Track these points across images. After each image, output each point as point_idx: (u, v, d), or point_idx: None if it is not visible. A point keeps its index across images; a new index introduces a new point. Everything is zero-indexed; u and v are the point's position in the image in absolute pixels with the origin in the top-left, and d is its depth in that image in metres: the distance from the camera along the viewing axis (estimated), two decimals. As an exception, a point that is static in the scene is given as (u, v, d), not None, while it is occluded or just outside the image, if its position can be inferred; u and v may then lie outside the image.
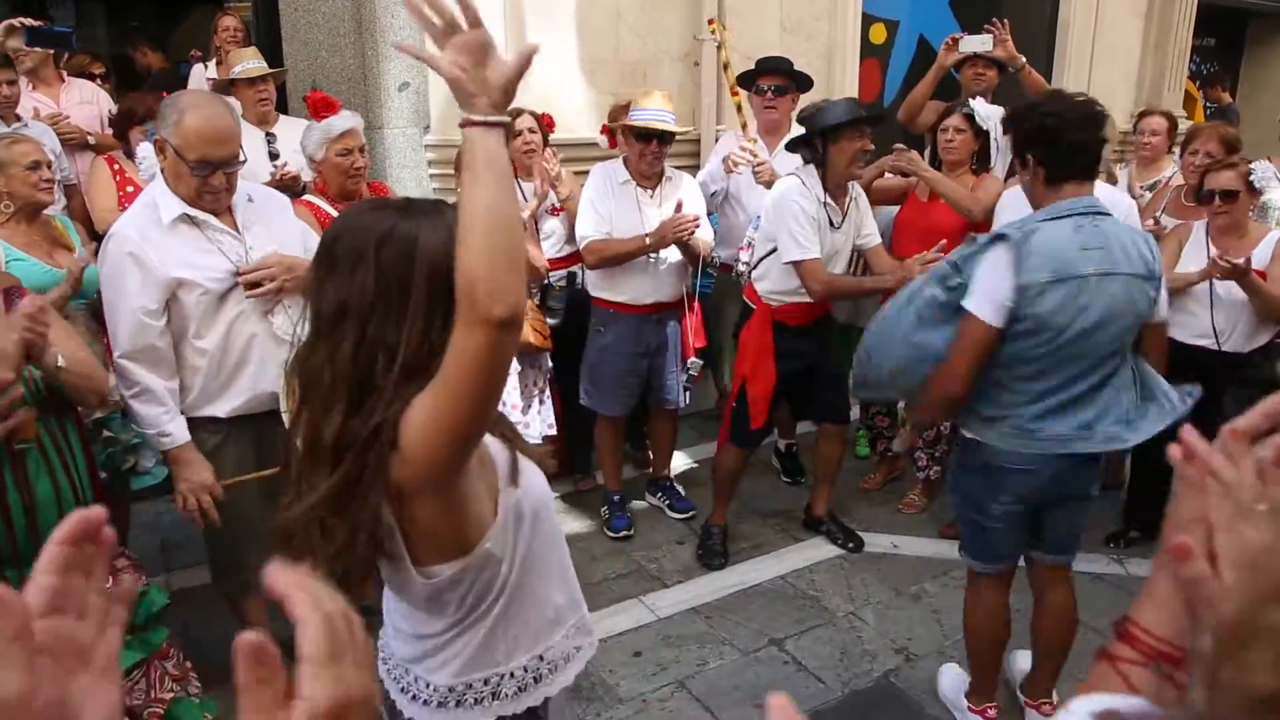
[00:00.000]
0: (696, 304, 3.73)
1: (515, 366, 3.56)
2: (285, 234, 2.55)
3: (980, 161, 3.75)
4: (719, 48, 4.18)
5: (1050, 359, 2.25)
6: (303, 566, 0.62)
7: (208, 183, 2.29)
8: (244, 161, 2.37)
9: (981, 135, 3.70)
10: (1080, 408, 2.30)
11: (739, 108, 4.02)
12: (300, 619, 0.58)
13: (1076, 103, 2.30)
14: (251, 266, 2.38)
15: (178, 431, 2.39)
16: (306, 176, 3.64)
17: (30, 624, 0.55)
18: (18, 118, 3.85)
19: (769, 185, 3.58)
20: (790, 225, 3.28)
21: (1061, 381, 2.28)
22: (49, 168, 2.93)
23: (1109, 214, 2.27)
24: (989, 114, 3.68)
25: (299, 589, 0.59)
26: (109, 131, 4.06)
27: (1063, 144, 2.24)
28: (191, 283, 2.32)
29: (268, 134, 3.83)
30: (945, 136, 3.70)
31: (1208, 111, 7.58)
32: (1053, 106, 2.29)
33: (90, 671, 0.60)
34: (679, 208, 3.48)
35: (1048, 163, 2.27)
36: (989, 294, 2.21)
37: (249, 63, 3.84)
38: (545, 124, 3.85)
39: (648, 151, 3.52)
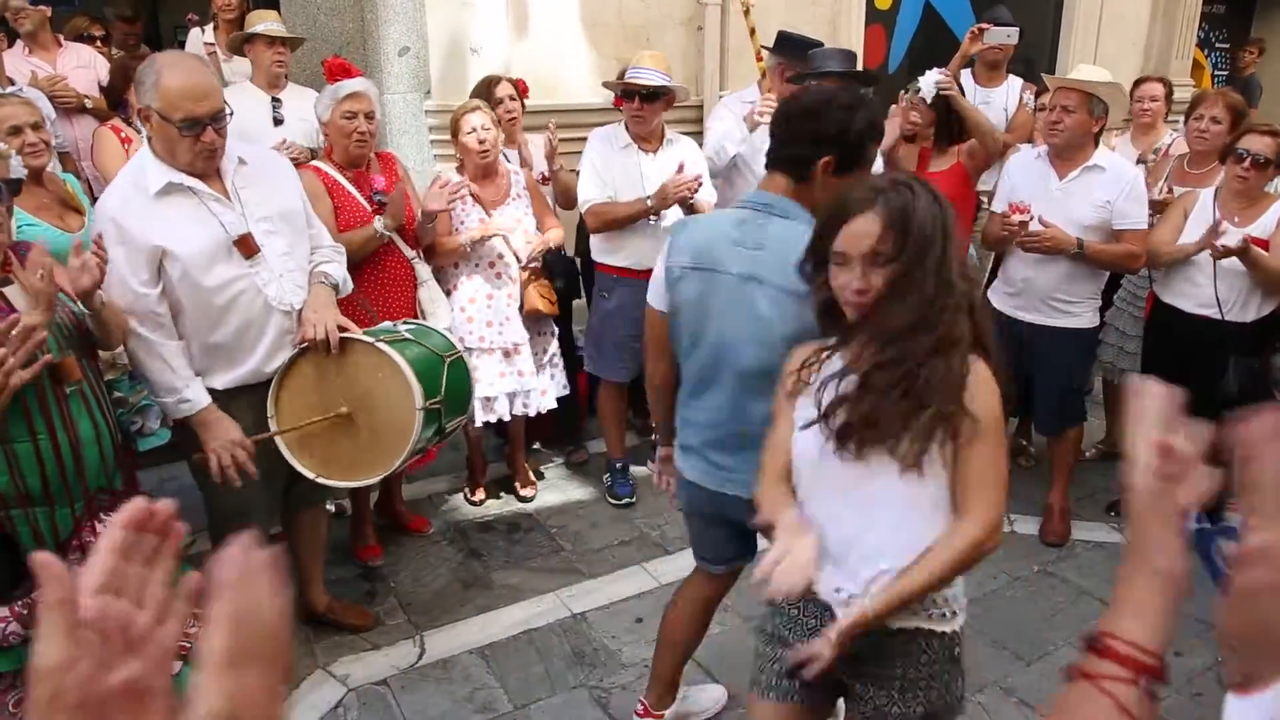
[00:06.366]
0: None
1: (524, 335, 3.57)
2: (284, 199, 2.45)
3: (947, 134, 3.74)
4: (745, 13, 4.10)
5: (692, 365, 2.08)
6: (259, 552, 0.61)
7: (200, 141, 2.19)
8: (231, 114, 2.28)
9: (937, 107, 3.69)
10: (715, 448, 2.09)
11: (764, 74, 3.93)
12: (211, 619, 0.57)
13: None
14: (307, 327, 2.38)
15: (196, 395, 2.34)
16: (307, 143, 3.61)
17: (74, 596, 0.55)
18: (11, 81, 3.79)
19: None
20: None
21: (704, 402, 2.09)
22: (34, 130, 2.79)
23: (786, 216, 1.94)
24: (927, 86, 3.67)
25: (231, 586, 0.58)
26: (108, 97, 4.01)
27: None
28: (173, 253, 2.24)
29: (274, 99, 3.79)
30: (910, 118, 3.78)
31: (1215, 81, 7.50)
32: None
33: (142, 659, 0.59)
34: (680, 169, 3.46)
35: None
36: (655, 278, 2.15)
37: (271, 23, 3.79)
38: (520, 90, 3.81)
39: (630, 110, 3.52)
